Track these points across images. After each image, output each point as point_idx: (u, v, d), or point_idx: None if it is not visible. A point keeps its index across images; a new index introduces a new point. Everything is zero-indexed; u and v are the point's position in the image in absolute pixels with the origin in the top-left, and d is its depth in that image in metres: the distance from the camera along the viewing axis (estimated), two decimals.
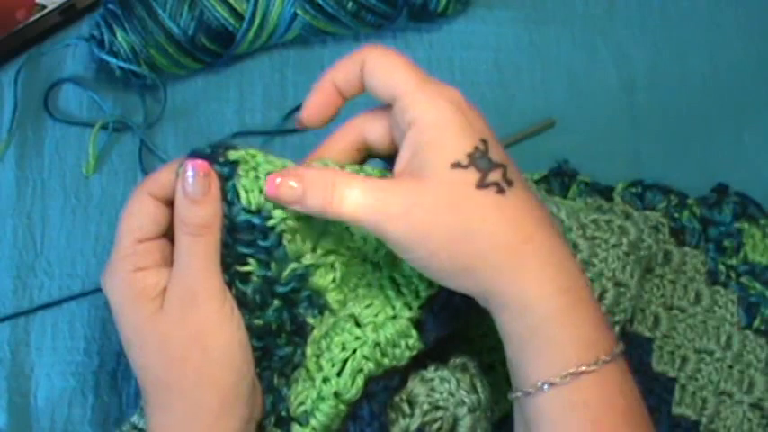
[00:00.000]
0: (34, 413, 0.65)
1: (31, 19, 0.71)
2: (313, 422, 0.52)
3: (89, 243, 0.68)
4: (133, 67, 0.69)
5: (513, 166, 0.50)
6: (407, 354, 0.53)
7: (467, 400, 0.53)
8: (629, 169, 0.74)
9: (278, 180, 0.50)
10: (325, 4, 0.70)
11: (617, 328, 0.62)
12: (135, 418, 0.58)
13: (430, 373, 0.55)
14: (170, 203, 0.52)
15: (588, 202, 0.70)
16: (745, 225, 0.70)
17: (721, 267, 0.69)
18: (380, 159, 0.56)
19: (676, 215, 0.70)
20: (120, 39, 0.68)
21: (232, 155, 0.52)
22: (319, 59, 0.75)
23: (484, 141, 0.49)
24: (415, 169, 0.49)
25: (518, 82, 0.76)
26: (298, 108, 0.73)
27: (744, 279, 0.69)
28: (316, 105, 0.54)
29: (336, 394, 0.52)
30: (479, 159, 0.48)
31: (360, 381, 0.52)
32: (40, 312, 0.67)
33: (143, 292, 0.51)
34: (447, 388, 0.54)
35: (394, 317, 0.53)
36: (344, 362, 0.53)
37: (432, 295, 0.54)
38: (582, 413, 0.48)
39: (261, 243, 0.52)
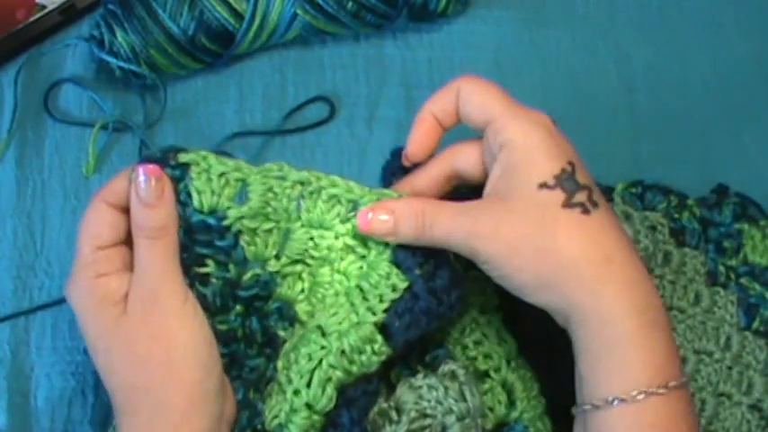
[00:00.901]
0: (34, 413, 0.65)
1: (31, 19, 0.71)
2: None
3: None
4: (133, 67, 0.69)
5: (597, 189, 0.53)
6: (375, 359, 0.53)
7: (455, 408, 0.53)
8: (629, 169, 0.74)
9: (370, 215, 0.53)
10: (325, 4, 0.70)
11: None
12: None
13: (418, 380, 0.54)
14: (126, 210, 0.54)
15: None
16: (745, 226, 0.70)
17: (721, 268, 0.69)
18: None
19: (676, 216, 0.70)
20: (120, 39, 0.68)
21: (182, 157, 0.53)
22: (319, 59, 0.75)
23: (571, 164, 0.52)
24: (504, 189, 0.51)
25: (518, 82, 0.76)
26: (298, 108, 0.73)
27: (743, 280, 0.69)
28: (419, 139, 0.56)
29: (308, 405, 0.52)
30: (566, 181, 0.51)
31: (330, 390, 0.52)
32: (40, 312, 0.67)
33: (105, 297, 0.52)
34: (435, 396, 0.54)
35: (358, 323, 0.53)
36: (312, 372, 0.53)
37: (395, 299, 0.54)
38: None
39: (218, 243, 0.53)
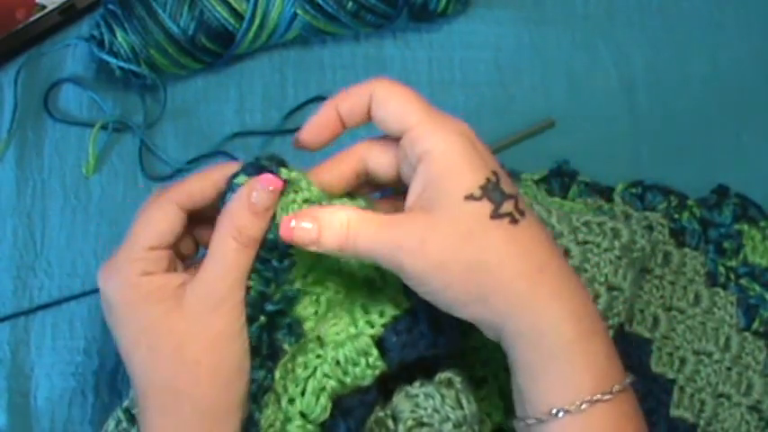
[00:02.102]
0: (34, 413, 0.65)
1: (31, 19, 0.71)
2: None
3: (89, 243, 0.69)
4: (133, 67, 0.69)
5: (522, 198, 0.51)
6: (369, 372, 0.53)
7: (452, 415, 0.53)
8: (629, 169, 0.74)
9: (292, 223, 0.50)
10: (325, 4, 0.70)
11: (611, 332, 0.62)
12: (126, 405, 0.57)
13: (414, 388, 0.54)
14: (191, 214, 0.53)
15: (588, 203, 0.70)
16: (745, 227, 0.70)
17: (721, 269, 0.69)
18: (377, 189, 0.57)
19: (676, 216, 0.70)
20: (120, 39, 0.68)
21: (284, 173, 0.52)
22: (319, 59, 0.75)
23: (495, 173, 0.50)
24: (427, 202, 0.49)
25: (518, 82, 0.76)
26: (298, 108, 0.73)
27: (743, 281, 0.69)
28: (316, 128, 0.54)
29: (302, 414, 0.52)
30: (492, 191, 0.49)
31: (323, 399, 0.52)
32: (40, 312, 0.67)
33: (152, 293, 0.51)
34: (432, 404, 0.53)
35: (356, 335, 0.53)
36: (306, 381, 0.52)
37: (397, 316, 0.53)
38: None
39: (275, 263, 0.52)
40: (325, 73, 0.75)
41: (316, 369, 0.53)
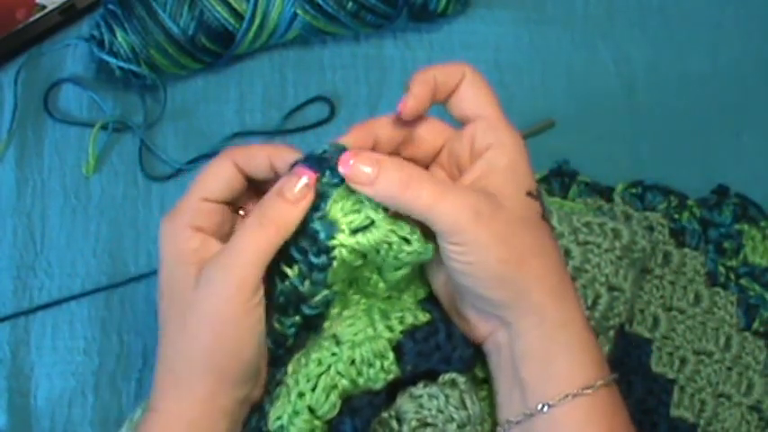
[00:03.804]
0: (34, 413, 0.65)
1: (31, 19, 0.71)
2: None
3: (89, 243, 0.69)
4: (133, 67, 0.69)
5: None
6: (382, 376, 0.53)
7: (456, 416, 0.53)
8: (629, 169, 0.74)
9: (351, 161, 0.51)
10: (325, 4, 0.70)
11: (612, 333, 0.63)
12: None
13: (419, 389, 0.54)
14: (248, 179, 0.55)
15: (588, 202, 0.70)
16: (745, 227, 0.70)
17: (721, 269, 0.69)
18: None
19: (676, 216, 0.70)
20: (120, 39, 0.68)
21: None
22: (319, 59, 0.75)
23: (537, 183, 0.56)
24: (491, 186, 0.52)
25: (518, 82, 0.76)
26: (298, 108, 0.73)
27: (743, 281, 0.69)
28: (421, 97, 0.54)
29: (311, 410, 0.52)
30: (540, 196, 0.54)
31: (333, 397, 0.52)
32: (40, 312, 0.67)
33: (182, 253, 0.52)
34: (436, 404, 0.54)
35: (374, 337, 0.53)
36: (319, 377, 0.53)
37: (416, 324, 0.54)
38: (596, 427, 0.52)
39: (312, 258, 0.52)
40: (325, 73, 0.75)
41: (330, 366, 0.53)
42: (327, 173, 0.52)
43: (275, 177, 0.53)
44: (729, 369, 0.66)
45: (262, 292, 0.51)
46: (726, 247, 0.70)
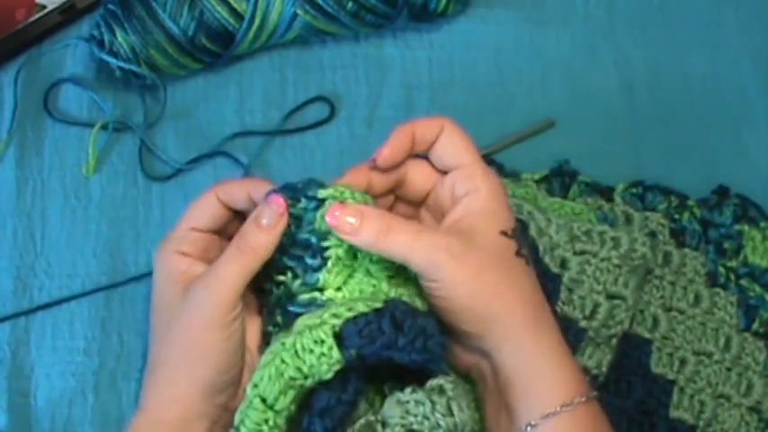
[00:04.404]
0: (34, 413, 0.65)
1: (31, 19, 0.71)
2: (243, 430, 0.53)
3: (89, 243, 0.69)
4: (133, 67, 0.69)
5: None
6: (325, 362, 0.53)
7: (442, 423, 0.53)
8: (629, 169, 0.74)
9: (337, 213, 0.55)
10: (325, 4, 0.70)
11: (614, 341, 0.63)
12: None
13: (405, 395, 0.54)
14: (232, 210, 0.60)
15: (588, 203, 0.70)
16: (746, 227, 0.71)
17: (721, 269, 0.69)
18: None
19: (677, 216, 0.70)
20: (120, 39, 0.68)
21: (322, 193, 0.57)
22: (319, 59, 0.75)
23: (519, 221, 0.61)
24: (467, 227, 0.57)
25: (518, 82, 0.76)
26: (298, 108, 0.73)
27: (743, 281, 0.69)
28: (397, 148, 0.59)
29: (263, 399, 0.53)
30: (518, 235, 0.58)
31: (281, 384, 0.53)
32: (40, 312, 0.67)
33: (172, 274, 0.58)
34: (422, 411, 0.53)
35: (318, 324, 0.54)
36: (266, 366, 0.53)
37: (362, 312, 0.54)
38: None
39: (307, 260, 0.56)
40: (325, 73, 0.75)
41: (275, 355, 0.54)
42: (303, 199, 0.56)
43: (254, 207, 0.58)
44: (729, 370, 0.66)
45: (239, 308, 0.56)
46: (726, 248, 0.70)
